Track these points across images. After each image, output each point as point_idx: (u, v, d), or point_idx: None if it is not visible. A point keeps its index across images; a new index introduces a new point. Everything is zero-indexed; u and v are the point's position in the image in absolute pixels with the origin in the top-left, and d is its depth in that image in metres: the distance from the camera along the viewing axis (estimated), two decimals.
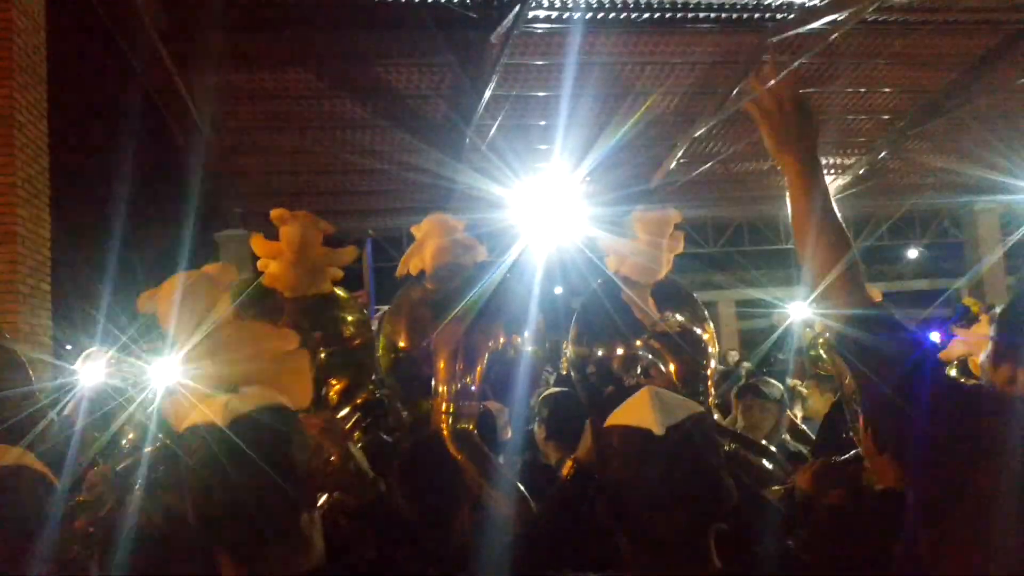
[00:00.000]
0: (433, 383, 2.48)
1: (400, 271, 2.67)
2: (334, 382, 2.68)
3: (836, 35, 8.65)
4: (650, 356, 2.52)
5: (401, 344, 2.66)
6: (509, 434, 2.82)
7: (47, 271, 6.53)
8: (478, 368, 2.50)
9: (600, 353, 2.66)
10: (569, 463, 2.19)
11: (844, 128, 11.80)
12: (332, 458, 2.09)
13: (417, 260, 2.61)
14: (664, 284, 2.70)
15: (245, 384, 1.70)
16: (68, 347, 6.51)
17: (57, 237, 6.78)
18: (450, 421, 2.42)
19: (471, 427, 2.45)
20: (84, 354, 3.83)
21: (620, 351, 2.60)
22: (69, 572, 2.18)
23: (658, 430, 1.47)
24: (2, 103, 5.99)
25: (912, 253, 16.17)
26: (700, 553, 1.48)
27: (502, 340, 2.55)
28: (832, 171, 13.03)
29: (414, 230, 2.67)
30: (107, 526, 2.21)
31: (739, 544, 1.54)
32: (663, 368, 2.50)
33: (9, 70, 6.02)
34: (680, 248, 2.69)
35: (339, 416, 2.60)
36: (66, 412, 3.30)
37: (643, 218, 2.65)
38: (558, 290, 14.24)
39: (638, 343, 2.54)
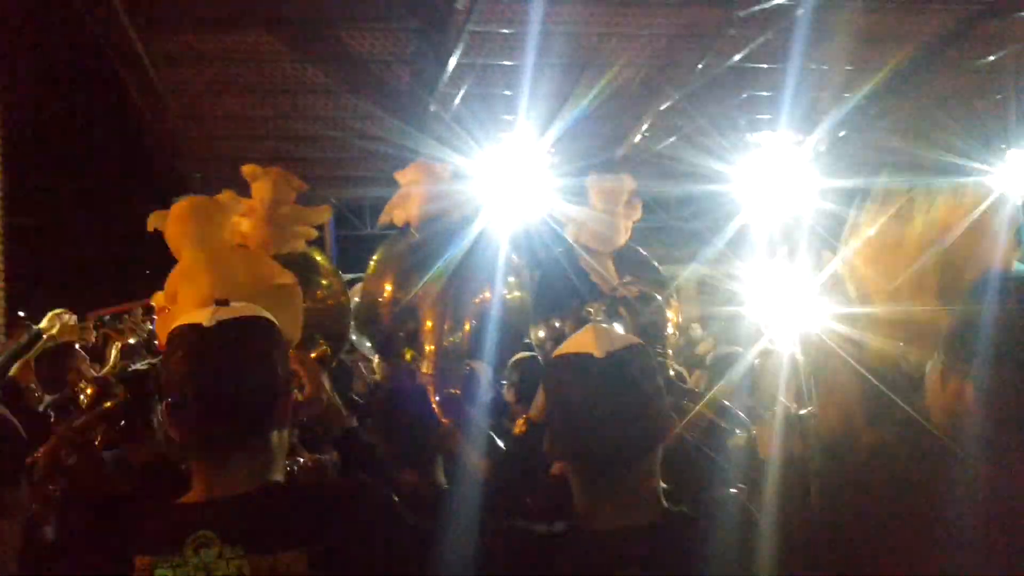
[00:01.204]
0: (418, 339, 2.44)
1: (383, 219, 2.60)
2: None
3: (800, 11, 8.70)
4: (609, 320, 2.55)
5: (384, 298, 2.60)
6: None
7: None
8: (465, 326, 2.46)
9: (556, 324, 2.67)
10: (521, 421, 2.22)
11: (806, 104, 11.87)
12: (306, 388, 2.10)
13: (401, 211, 2.53)
14: (625, 251, 2.72)
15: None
16: (21, 313, 6.39)
17: (10, 200, 6.62)
18: (435, 380, 2.39)
19: (455, 387, 2.42)
20: (50, 314, 3.78)
21: (577, 317, 2.60)
22: (27, 532, 2.16)
23: (598, 353, 1.53)
24: None
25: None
26: (643, 487, 1.53)
27: (489, 296, 2.50)
28: (794, 147, 13.11)
29: (398, 176, 2.59)
30: (68, 486, 2.19)
31: (688, 490, 1.59)
32: (622, 331, 2.52)
33: None
34: (638, 216, 2.71)
35: None
36: (11, 373, 3.26)
37: (598, 185, 2.65)
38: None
39: (596, 308, 2.56)
